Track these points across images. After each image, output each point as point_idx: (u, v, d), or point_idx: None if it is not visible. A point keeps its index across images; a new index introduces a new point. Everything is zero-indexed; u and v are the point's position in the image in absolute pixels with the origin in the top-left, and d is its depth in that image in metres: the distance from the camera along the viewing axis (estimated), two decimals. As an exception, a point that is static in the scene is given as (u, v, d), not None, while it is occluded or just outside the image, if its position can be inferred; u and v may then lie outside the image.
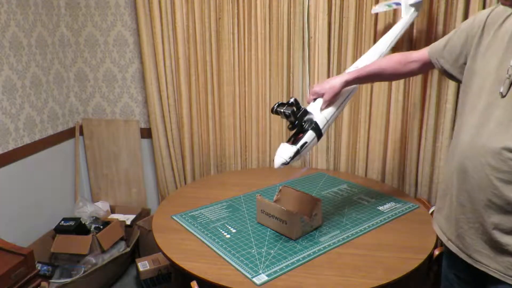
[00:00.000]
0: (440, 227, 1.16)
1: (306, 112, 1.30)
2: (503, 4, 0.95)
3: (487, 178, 0.95)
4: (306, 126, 1.29)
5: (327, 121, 1.33)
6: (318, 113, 1.32)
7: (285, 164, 1.22)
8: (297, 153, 1.23)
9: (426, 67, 1.28)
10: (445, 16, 1.80)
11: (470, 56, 1.07)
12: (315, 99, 1.37)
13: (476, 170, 0.97)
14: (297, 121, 1.27)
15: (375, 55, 1.56)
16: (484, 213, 0.98)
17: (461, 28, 1.14)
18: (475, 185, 0.98)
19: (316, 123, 1.29)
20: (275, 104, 1.31)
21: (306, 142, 1.25)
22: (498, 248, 0.96)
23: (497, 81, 0.95)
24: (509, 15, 0.97)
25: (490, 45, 1.00)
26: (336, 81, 1.34)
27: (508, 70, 0.93)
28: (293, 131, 1.32)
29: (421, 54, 1.27)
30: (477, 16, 1.09)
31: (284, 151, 1.24)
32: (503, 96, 0.93)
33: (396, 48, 1.92)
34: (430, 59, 1.23)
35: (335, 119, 1.40)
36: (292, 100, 1.27)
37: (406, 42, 1.88)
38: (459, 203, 1.05)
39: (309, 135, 1.27)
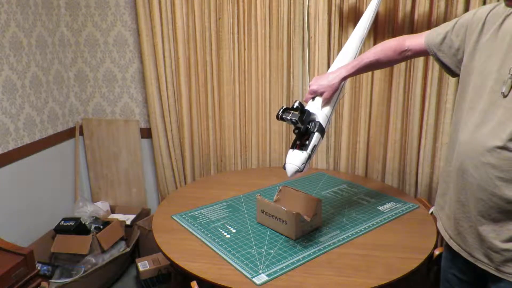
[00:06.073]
0: (443, 225, 1.16)
1: (310, 114, 1.29)
2: (507, 5, 0.95)
3: (488, 177, 0.95)
4: (311, 128, 1.28)
5: (328, 119, 1.33)
6: (320, 112, 1.32)
7: (299, 171, 1.21)
8: (309, 158, 1.22)
9: (421, 55, 1.29)
10: (445, 16, 1.80)
11: (468, 53, 1.07)
12: (313, 98, 1.37)
13: (476, 169, 0.98)
14: (303, 126, 1.26)
15: (356, 41, 1.53)
16: (484, 213, 0.98)
17: (459, 22, 1.13)
18: (475, 184, 0.99)
19: (320, 124, 1.29)
20: (280, 110, 1.28)
21: (315, 145, 1.25)
22: (495, 248, 0.97)
23: (499, 81, 0.95)
24: (508, 15, 0.97)
25: (489, 44, 1.00)
26: (335, 78, 1.33)
27: (510, 70, 0.93)
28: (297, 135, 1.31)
29: (417, 43, 1.25)
30: (478, 11, 1.08)
31: (295, 158, 1.21)
32: (505, 96, 0.94)
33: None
34: (427, 49, 1.22)
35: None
36: (296, 104, 1.25)
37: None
38: (460, 202, 1.05)
39: (316, 137, 1.26)
